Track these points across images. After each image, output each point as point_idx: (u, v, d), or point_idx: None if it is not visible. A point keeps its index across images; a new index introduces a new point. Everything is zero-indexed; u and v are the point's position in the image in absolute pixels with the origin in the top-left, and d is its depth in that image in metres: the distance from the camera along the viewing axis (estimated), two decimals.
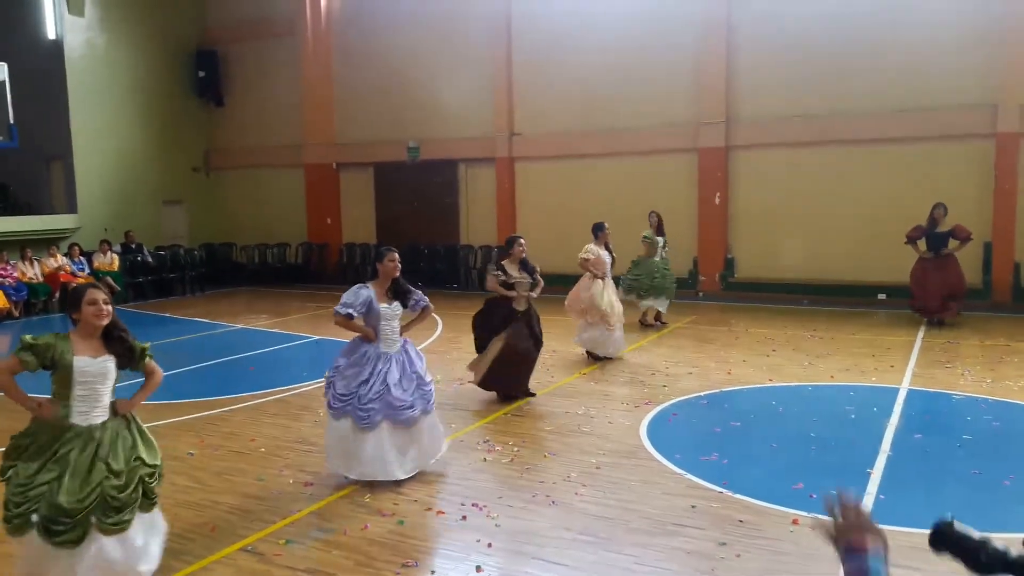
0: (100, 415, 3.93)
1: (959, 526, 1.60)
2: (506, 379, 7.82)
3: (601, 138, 15.95)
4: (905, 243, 11.65)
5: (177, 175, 19.74)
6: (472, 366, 7.98)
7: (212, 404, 7.99)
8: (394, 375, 5.59)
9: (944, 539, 1.60)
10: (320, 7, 18.73)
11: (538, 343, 8.00)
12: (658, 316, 11.96)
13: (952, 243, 11.43)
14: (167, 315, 14.54)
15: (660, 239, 11.77)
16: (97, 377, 3.89)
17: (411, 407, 5.59)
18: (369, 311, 5.62)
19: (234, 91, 20.17)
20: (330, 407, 5.62)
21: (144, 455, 4.04)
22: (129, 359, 4.08)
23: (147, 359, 4.15)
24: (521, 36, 16.66)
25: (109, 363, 3.96)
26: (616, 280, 10.22)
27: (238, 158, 20.23)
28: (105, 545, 3.86)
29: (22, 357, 3.80)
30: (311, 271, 19.18)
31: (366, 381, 5.53)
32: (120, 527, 3.89)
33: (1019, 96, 12.77)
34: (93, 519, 3.82)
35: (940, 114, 13.25)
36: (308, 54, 18.78)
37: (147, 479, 4.02)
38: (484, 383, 7.84)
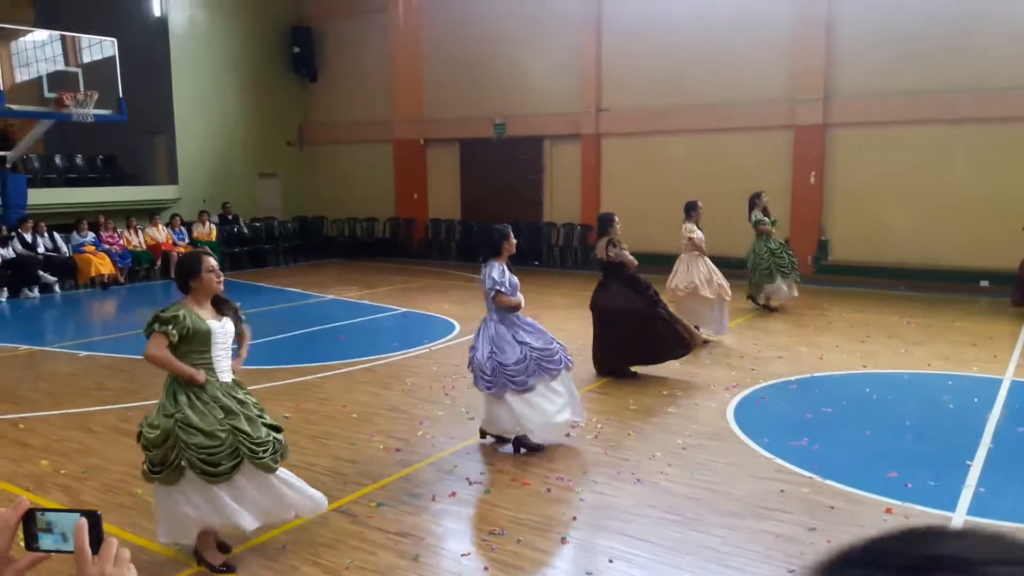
0: (228, 374, 4.23)
1: None
2: (651, 348, 7.84)
3: (690, 114, 15.64)
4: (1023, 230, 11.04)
5: (272, 149, 20.34)
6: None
7: (305, 371, 8.27)
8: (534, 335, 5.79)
9: None
10: None
11: (657, 299, 7.95)
12: (768, 300, 11.53)
13: None
14: (261, 284, 15.08)
15: (767, 220, 11.29)
16: (228, 337, 4.21)
17: (559, 356, 5.79)
18: (510, 284, 5.81)
19: (327, 67, 20.59)
20: (517, 387, 5.68)
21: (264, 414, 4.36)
22: (237, 321, 4.34)
23: (243, 317, 4.44)
24: (612, 10, 16.43)
25: (229, 324, 4.24)
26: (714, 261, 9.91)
27: (330, 133, 20.70)
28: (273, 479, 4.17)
29: (167, 331, 4.01)
30: (398, 246, 19.53)
31: (527, 340, 5.75)
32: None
33: None
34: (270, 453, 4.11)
35: None
36: (399, 31, 19.00)
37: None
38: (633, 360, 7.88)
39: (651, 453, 5.78)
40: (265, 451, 4.07)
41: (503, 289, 5.72)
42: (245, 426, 4.05)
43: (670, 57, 15.76)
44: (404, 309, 12.01)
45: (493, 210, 17.86)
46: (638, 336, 7.71)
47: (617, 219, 7.91)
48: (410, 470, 5.48)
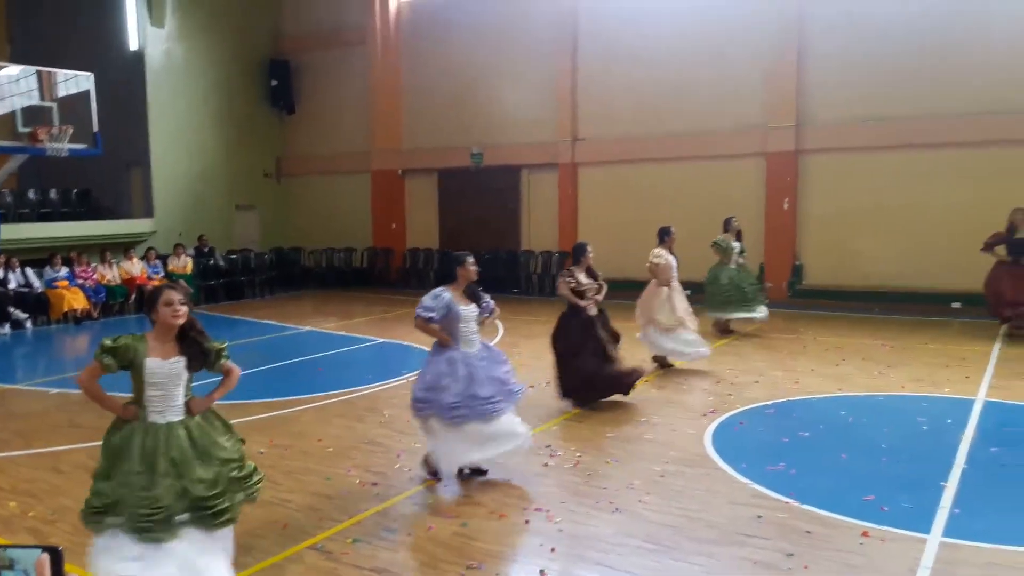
0: (175, 414, 4.00)
1: None
2: (603, 384, 7.84)
3: (666, 143, 15.83)
4: (982, 251, 11.28)
5: (249, 181, 20.33)
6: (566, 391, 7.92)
7: (281, 404, 8.20)
8: (478, 375, 5.67)
9: None
10: (389, 17, 19.08)
11: (616, 338, 7.99)
12: (728, 322, 11.75)
13: None
14: (238, 317, 14.97)
15: (737, 245, 11.57)
16: (168, 379, 3.94)
17: (495, 402, 5.67)
18: (449, 313, 5.72)
19: (305, 99, 20.68)
20: (444, 419, 5.64)
21: (223, 453, 4.11)
22: (203, 360, 4.08)
23: (224, 359, 4.19)
24: (587, 41, 16.67)
25: (179, 364, 3.97)
26: (685, 287, 10.08)
27: (308, 165, 20.74)
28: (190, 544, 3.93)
29: (103, 360, 3.87)
30: (376, 275, 19.52)
31: (471, 380, 5.64)
32: (221, 518, 3.99)
33: None
34: (181, 515, 3.89)
35: (1019, 118, 12.77)
36: (377, 63, 19.14)
37: (233, 475, 4.10)
38: (584, 395, 7.84)
39: (629, 481, 5.76)
40: (153, 516, 3.81)
41: (424, 315, 5.64)
42: (143, 482, 3.83)
43: (645, 87, 15.98)
44: (382, 339, 11.96)
45: (472, 239, 17.93)
46: (586, 371, 7.71)
47: (590, 248, 7.95)
48: (387, 504, 5.43)
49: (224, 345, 4.22)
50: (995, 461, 6.08)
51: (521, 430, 5.85)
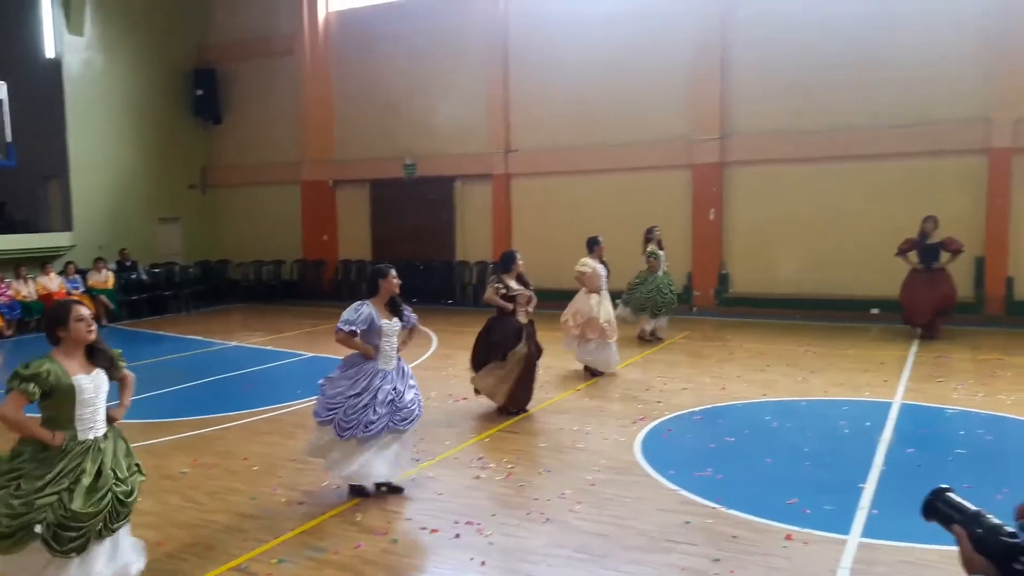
0: (102, 426, 3.99)
1: (952, 496, 1.54)
2: (524, 393, 7.87)
3: (596, 154, 16.03)
4: (896, 255, 11.71)
5: (173, 193, 19.77)
6: (486, 390, 7.89)
7: (206, 422, 7.97)
8: (385, 391, 5.60)
9: (934, 508, 1.55)
10: (318, 26, 18.86)
11: (539, 352, 8.05)
12: (654, 331, 11.98)
13: (944, 256, 11.46)
14: (162, 333, 14.53)
15: (661, 254, 11.83)
16: (96, 393, 3.94)
17: (379, 419, 5.59)
18: (370, 328, 5.64)
19: (232, 109, 20.27)
20: (317, 415, 5.62)
21: (137, 462, 4.18)
22: (113, 369, 4.11)
23: (122, 364, 4.21)
24: (518, 53, 16.77)
25: (102, 376, 4.00)
26: (615, 296, 10.25)
27: (235, 175, 20.30)
28: (106, 550, 3.97)
29: (26, 389, 3.75)
30: (306, 288, 19.20)
31: (357, 395, 5.55)
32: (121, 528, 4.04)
33: (1012, 112, 12.89)
34: (100, 526, 3.88)
35: (934, 130, 13.36)
36: (307, 73, 18.89)
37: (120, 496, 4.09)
38: (509, 401, 7.82)
39: (561, 491, 5.78)
40: (81, 530, 3.78)
41: (346, 329, 5.58)
42: (75, 493, 3.79)
43: (576, 99, 16.15)
44: (311, 354, 11.76)
45: (405, 250, 17.83)
46: (527, 380, 7.77)
47: (519, 256, 7.99)
48: (314, 523, 5.32)
49: (120, 351, 4.22)
50: (911, 462, 6.30)
51: (398, 467, 5.75)
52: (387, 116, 18.22)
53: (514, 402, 7.89)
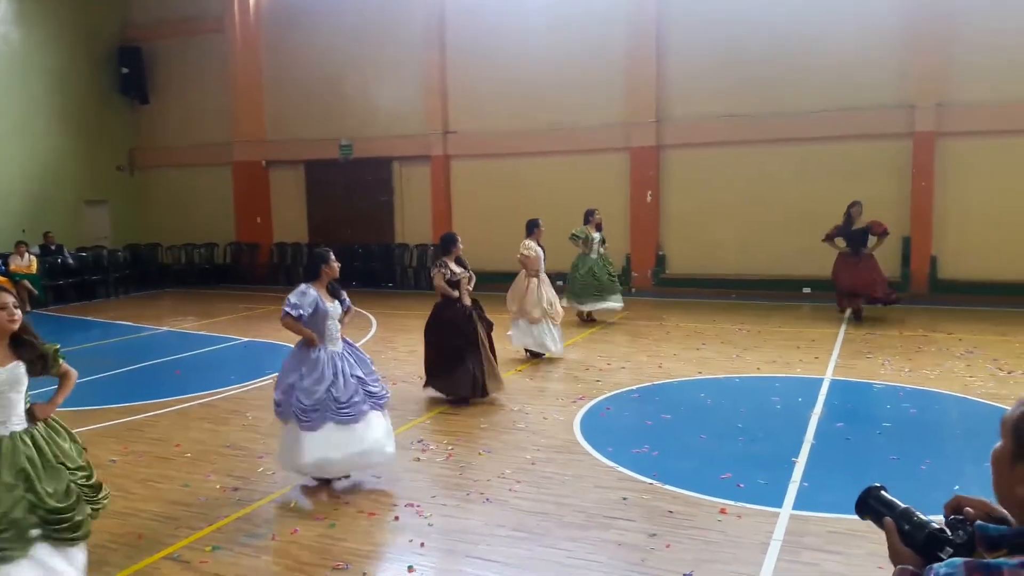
0: (18, 423, 3.76)
1: (884, 494, 1.63)
2: (483, 378, 7.72)
3: (535, 137, 16.02)
4: (823, 241, 11.69)
5: (100, 174, 19.09)
6: (446, 389, 7.80)
7: (136, 409, 7.75)
8: (341, 376, 5.50)
9: (867, 506, 1.63)
10: (248, 3, 18.34)
11: (490, 326, 7.98)
12: (590, 313, 12.02)
13: (871, 240, 11.52)
14: (89, 318, 14.05)
15: (597, 236, 11.86)
16: (10, 386, 3.71)
17: (355, 404, 5.50)
18: (316, 311, 5.55)
19: (160, 88, 19.63)
20: (302, 421, 5.41)
21: (70, 462, 3.89)
22: (42, 365, 3.87)
23: (60, 361, 3.95)
24: (455, 33, 16.62)
25: (19, 370, 3.75)
26: (553, 278, 10.26)
27: (164, 156, 19.70)
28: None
29: None
30: (240, 271, 18.79)
31: (334, 383, 5.45)
32: (76, 533, 3.78)
33: (934, 97, 13.32)
34: (36, 532, 3.66)
35: (861, 114, 13.72)
36: (237, 51, 18.38)
37: (81, 483, 3.89)
38: (473, 390, 7.69)
39: (501, 471, 5.79)
40: (2, 532, 3.56)
41: (293, 313, 5.47)
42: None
43: (514, 81, 16.09)
44: (246, 339, 11.52)
45: (343, 232, 17.58)
46: (457, 365, 7.64)
47: (459, 239, 7.92)
48: (249, 509, 5.22)
49: (58, 347, 3.97)
50: (840, 435, 6.50)
51: (388, 451, 5.67)
52: (322, 96, 17.88)
53: (474, 389, 7.75)
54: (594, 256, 11.78)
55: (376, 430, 5.62)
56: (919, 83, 13.43)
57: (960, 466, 5.64)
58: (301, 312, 5.49)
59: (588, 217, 11.90)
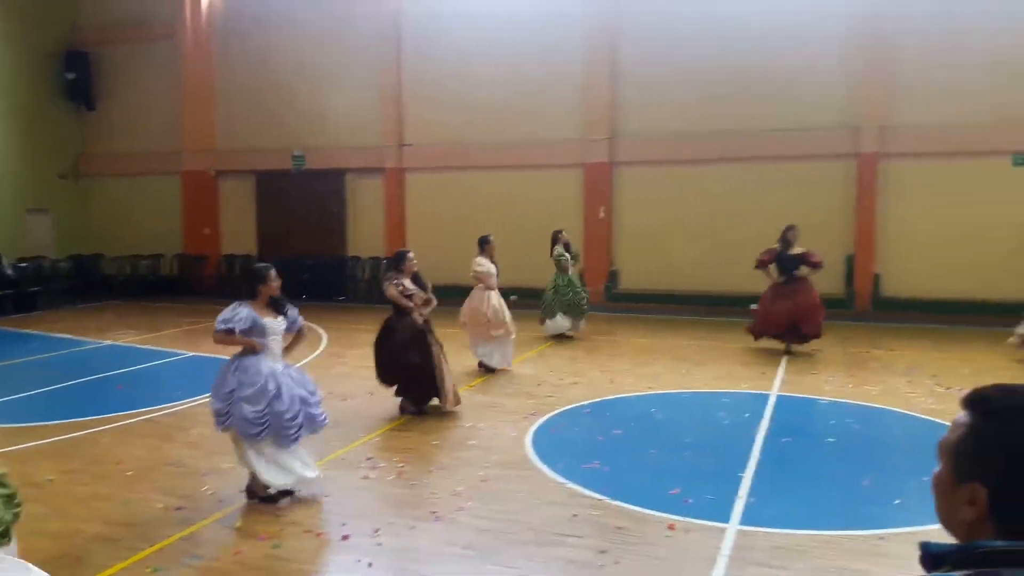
0: None
1: None
2: (431, 391, 7.74)
3: (491, 151, 16.06)
4: (755, 269, 10.74)
5: (42, 182, 18.54)
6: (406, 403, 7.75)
7: (76, 426, 7.51)
8: (284, 392, 5.40)
9: None
10: (200, 10, 18.08)
11: (439, 348, 7.92)
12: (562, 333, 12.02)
13: (803, 269, 10.56)
14: (29, 331, 13.61)
15: (567, 255, 11.93)
16: None
17: (297, 426, 5.42)
18: (252, 327, 5.41)
19: (107, 95, 19.19)
20: (246, 435, 5.31)
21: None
22: None
23: None
24: (411, 46, 16.60)
25: None
26: (505, 293, 10.24)
27: (110, 164, 19.23)
28: None
29: None
30: (187, 284, 18.41)
31: (278, 396, 5.34)
32: None
33: (878, 119, 13.71)
34: None
35: (808, 135, 14.05)
36: (188, 58, 18.09)
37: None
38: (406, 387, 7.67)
39: (452, 488, 5.75)
40: None
41: (224, 327, 5.36)
42: None
43: (471, 96, 16.11)
44: (191, 353, 11.27)
45: (294, 244, 17.38)
46: (410, 378, 7.66)
47: (412, 255, 7.86)
48: (192, 529, 5.09)
49: None
50: (786, 450, 6.60)
51: (310, 475, 5.58)
52: (274, 106, 17.68)
53: (429, 396, 7.73)
54: (570, 275, 11.84)
55: (305, 468, 5.56)
56: (864, 105, 13.82)
57: (902, 481, 5.77)
58: (231, 327, 5.36)
59: (557, 237, 11.92)
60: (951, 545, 1.24)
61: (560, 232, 12.03)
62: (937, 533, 1.28)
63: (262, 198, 18.30)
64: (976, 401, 1.28)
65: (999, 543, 1.18)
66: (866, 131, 13.75)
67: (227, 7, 18.17)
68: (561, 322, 11.79)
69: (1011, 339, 10.22)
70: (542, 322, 11.85)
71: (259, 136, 17.88)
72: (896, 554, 4.51)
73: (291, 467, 5.46)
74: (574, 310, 11.83)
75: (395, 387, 7.80)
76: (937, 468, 1.31)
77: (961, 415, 1.29)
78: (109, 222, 19.23)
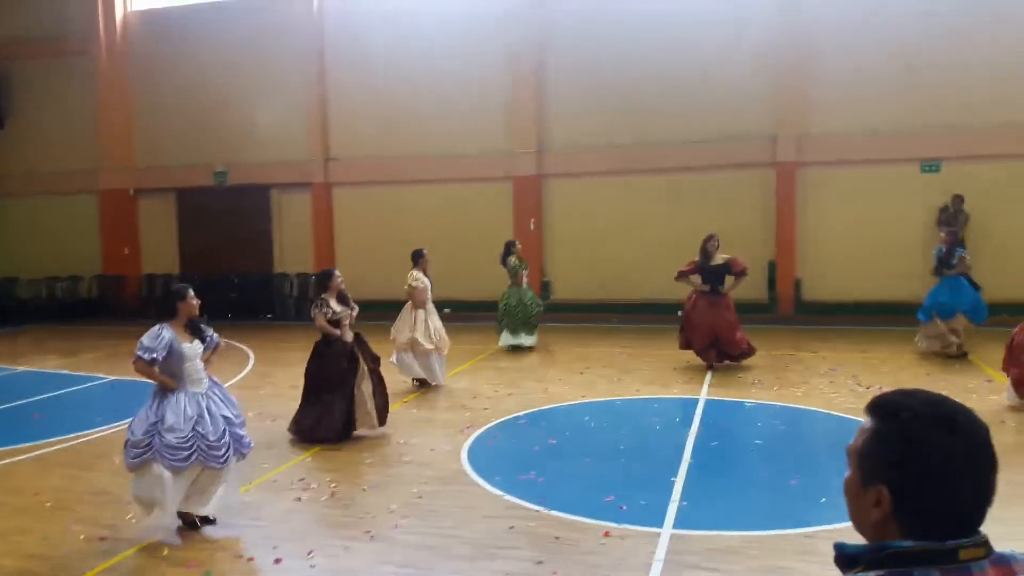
0: None
1: None
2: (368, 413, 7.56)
3: (420, 165, 16.02)
4: (676, 279, 10.55)
5: None
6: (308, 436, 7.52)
7: None
8: (206, 415, 5.26)
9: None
10: (115, 25, 17.57)
11: (376, 360, 7.78)
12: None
13: (728, 280, 10.32)
14: None
15: (521, 265, 11.99)
16: None
17: (224, 450, 5.28)
18: (171, 354, 5.25)
19: (18, 112, 18.43)
20: (172, 464, 5.12)
21: None
22: None
23: None
24: (335, 60, 16.45)
25: None
26: (439, 306, 10.20)
27: (21, 184, 18.46)
28: None
29: None
30: (107, 305, 17.78)
31: (201, 418, 5.21)
32: None
33: (794, 128, 14.20)
34: None
35: (729, 145, 14.45)
36: (103, 74, 17.54)
37: None
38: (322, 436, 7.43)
39: (387, 507, 5.69)
40: None
41: (146, 357, 5.19)
42: None
43: (398, 109, 16.06)
44: (113, 377, 10.87)
45: (218, 262, 16.99)
46: (339, 409, 7.43)
47: (338, 273, 7.75)
48: (116, 560, 4.90)
49: None
50: (715, 454, 6.75)
51: (228, 500, 5.47)
52: (195, 122, 17.28)
53: (339, 432, 7.53)
54: (524, 287, 11.91)
55: (225, 495, 5.44)
56: (781, 116, 14.29)
57: (827, 480, 5.95)
58: (155, 356, 5.20)
59: (511, 248, 11.95)
60: (863, 546, 1.30)
61: (514, 243, 12.16)
62: None
63: (184, 216, 17.84)
64: (877, 406, 1.33)
65: (906, 543, 1.24)
66: (784, 140, 14.22)
67: (145, 23, 17.71)
68: (513, 339, 11.88)
69: (917, 339, 10.74)
70: (498, 333, 11.93)
71: (180, 153, 17.44)
72: (824, 551, 4.63)
73: (214, 493, 5.32)
74: (527, 327, 11.93)
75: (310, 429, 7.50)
76: (847, 474, 1.37)
77: (865, 420, 1.35)
78: (23, 243, 18.44)
